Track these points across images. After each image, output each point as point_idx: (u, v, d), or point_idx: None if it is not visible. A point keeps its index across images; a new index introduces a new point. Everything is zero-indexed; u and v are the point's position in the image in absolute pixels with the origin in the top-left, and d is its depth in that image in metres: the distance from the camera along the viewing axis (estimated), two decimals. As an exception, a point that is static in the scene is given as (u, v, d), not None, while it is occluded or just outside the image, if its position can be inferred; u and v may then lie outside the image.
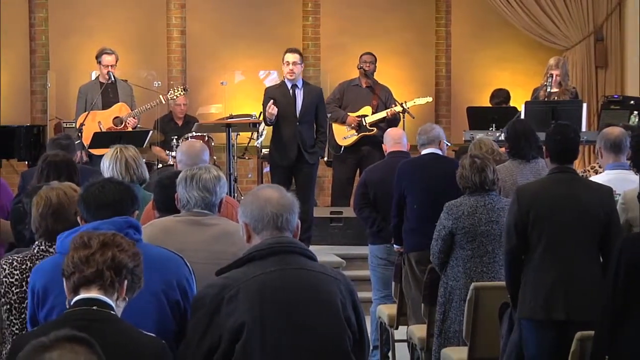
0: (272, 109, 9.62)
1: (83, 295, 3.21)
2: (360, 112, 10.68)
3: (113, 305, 3.22)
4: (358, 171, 10.52)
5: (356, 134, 10.66)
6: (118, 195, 3.95)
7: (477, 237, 6.26)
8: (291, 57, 9.76)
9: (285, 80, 9.85)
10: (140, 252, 3.35)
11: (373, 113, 10.66)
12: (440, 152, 7.36)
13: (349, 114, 10.66)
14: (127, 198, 3.98)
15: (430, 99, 11.16)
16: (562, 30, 12.69)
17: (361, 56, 10.92)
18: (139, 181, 6.00)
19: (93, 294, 3.20)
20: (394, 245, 7.48)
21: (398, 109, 10.58)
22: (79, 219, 4.02)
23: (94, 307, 3.18)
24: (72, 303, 3.22)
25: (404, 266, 7.18)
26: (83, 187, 4.09)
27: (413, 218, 7.15)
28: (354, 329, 3.69)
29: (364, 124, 10.63)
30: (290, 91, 9.80)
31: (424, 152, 7.38)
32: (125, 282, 3.24)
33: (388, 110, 10.59)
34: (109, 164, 5.95)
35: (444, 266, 6.37)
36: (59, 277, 3.28)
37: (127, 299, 3.27)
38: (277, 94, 9.78)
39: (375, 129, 10.56)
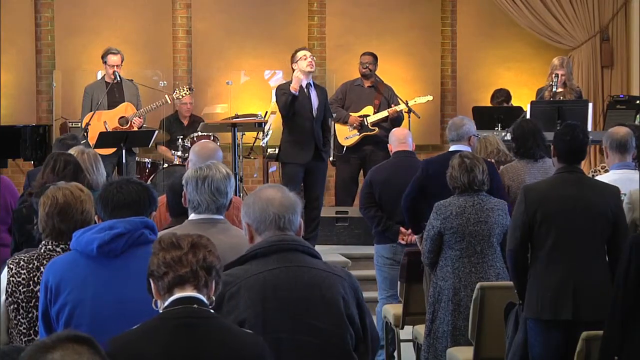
0: (299, 75, 9.35)
1: (180, 294, 3.17)
2: (362, 112, 10.67)
3: (208, 304, 3.21)
4: (362, 171, 10.53)
5: (358, 133, 10.65)
6: (136, 195, 3.96)
7: (465, 237, 6.27)
8: (307, 52, 9.63)
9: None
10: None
11: (375, 113, 10.65)
12: (468, 149, 7.03)
13: (350, 114, 10.65)
14: (145, 198, 3.98)
15: (431, 98, 11.10)
16: (568, 30, 12.67)
17: (360, 56, 10.90)
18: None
19: (189, 293, 3.17)
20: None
21: (400, 107, 10.57)
22: (96, 217, 4.03)
23: (195, 306, 3.15)
24: (168, 302, 3.17)
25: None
26: (102, 186, 4.08)
27: None
28: (357, 327, 3.69)
29: (366, 123, 10.62)
30: (305, 90, 9.67)
31: (451, 148, 7.19)
32: (214, 282, 3.22)
33: (389, 109, 10.58)
34: None
35: (434, 266, 6.38)
36: (73, 273, 3.23)
37: (213, 298, 3.24)
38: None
39: (376, 129, 10.55)
